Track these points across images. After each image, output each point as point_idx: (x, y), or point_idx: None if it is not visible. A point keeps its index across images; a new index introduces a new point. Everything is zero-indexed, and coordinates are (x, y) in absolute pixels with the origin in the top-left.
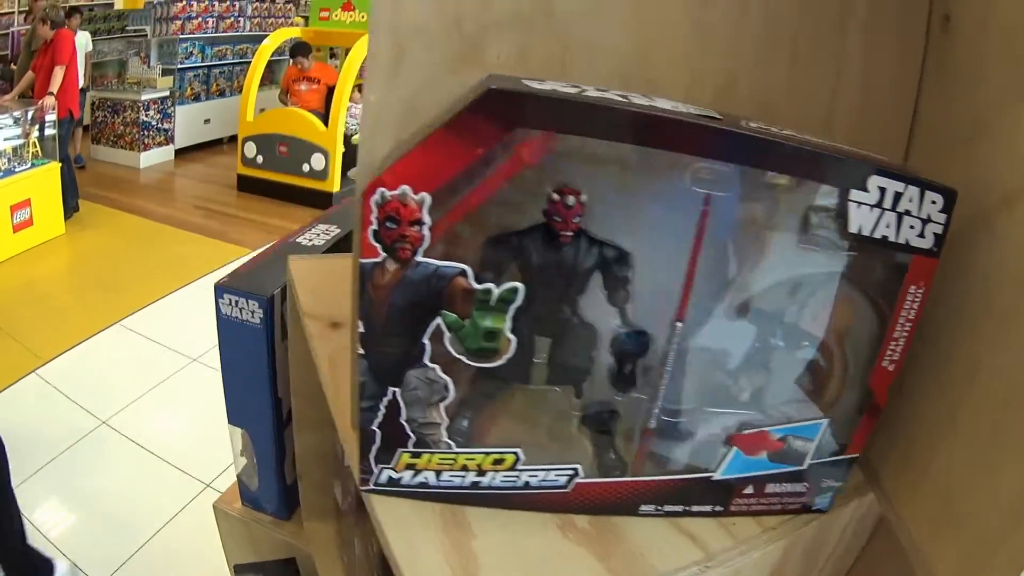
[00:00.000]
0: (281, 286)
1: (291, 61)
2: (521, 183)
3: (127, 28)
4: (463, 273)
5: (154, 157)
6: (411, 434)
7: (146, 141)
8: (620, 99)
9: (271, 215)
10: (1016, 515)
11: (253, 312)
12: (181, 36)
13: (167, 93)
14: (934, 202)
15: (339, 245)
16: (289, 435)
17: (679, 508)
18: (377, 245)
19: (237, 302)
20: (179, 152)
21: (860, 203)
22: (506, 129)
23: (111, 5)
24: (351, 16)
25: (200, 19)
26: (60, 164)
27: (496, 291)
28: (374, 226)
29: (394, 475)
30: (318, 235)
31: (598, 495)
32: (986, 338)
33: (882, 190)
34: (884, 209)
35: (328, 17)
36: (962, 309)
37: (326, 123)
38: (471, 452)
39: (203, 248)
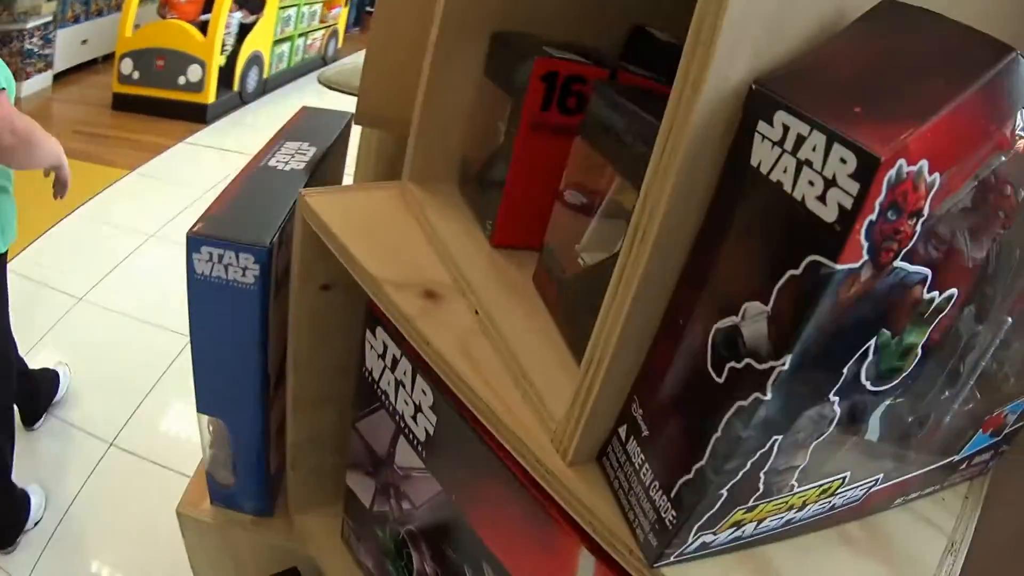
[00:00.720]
0: (278, 231)
1: None
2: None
3: None
4: (923, 281)
5: (35, 85)
6: (761, 486)
7: (28, 70)
8: None
9: (146, 132)
10: None
11: (245, 269)
12: None
13: (51, 18)
14: None
15: (320, 168)
16: (275, 418)
17: (915, 495)
18: (866, 243)
19: (221, 256)
20: (57, 76)
21: None
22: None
23: None
24: None
25: None
26: None
27: (937, 299)
28: (873, 216)
29: (709, 539)
30: (292, 155)
31: (875, 501)
32: None
33: None
34: None
35: None
36: None
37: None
38: (808, 488)
39: (78, 175)
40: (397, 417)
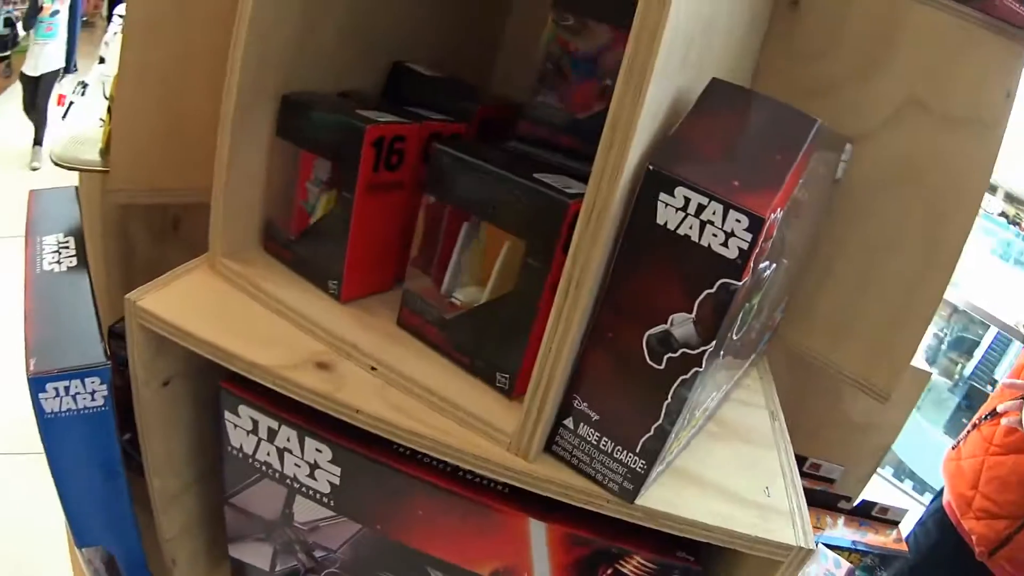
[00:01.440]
0: (103, 342)
1: None
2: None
3: None
4: (766, 268)
5: None
6: (686, 422)
7: None
8: None
9: None
10: (892, 323)
11: (94, 392)
12: None
13: None
14: None
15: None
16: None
17: (734, 389)
18: (752, 264)
19: (68, 388)
20: None
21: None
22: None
23: None
24: None
25: None
26: None
27: (769, 273)
28: (757, 249)
29: (659, 469)
30: (57, 253)
31: (719, 405)
32: (850, 221)
33: None
34: None
35: None
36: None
37: None
38: (700, 411)
39: None
40: (288, 480)
